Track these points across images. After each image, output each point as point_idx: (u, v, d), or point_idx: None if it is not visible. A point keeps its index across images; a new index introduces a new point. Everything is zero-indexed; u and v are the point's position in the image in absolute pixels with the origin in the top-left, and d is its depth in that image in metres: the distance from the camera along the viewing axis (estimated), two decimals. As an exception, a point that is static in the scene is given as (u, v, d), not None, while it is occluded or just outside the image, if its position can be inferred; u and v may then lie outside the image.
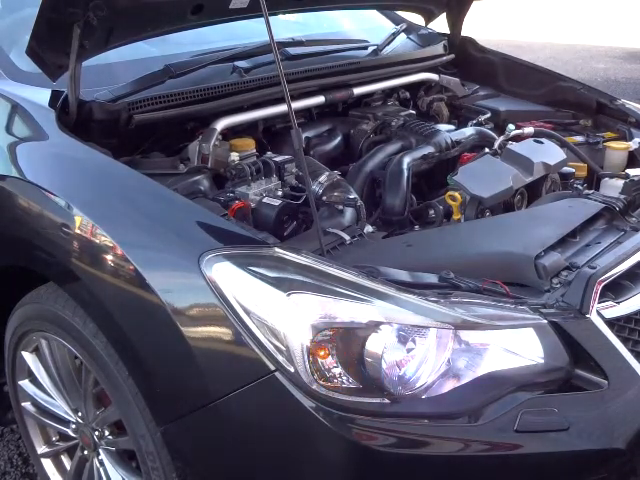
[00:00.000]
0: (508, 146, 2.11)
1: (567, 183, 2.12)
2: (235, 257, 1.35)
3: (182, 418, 1.40)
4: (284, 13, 2.57)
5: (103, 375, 1.55)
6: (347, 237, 1.67)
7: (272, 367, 1.28)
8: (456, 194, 1.89)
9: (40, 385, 1.87)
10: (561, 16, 12.71)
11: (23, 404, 1.95)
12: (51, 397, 1.85)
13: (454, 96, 2.76)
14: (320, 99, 2.31)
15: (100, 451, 1.76)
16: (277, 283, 1.32)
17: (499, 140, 2.19)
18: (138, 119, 1.79)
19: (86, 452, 1.81)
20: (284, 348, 1.27)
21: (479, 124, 2.49)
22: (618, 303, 1.50)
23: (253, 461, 1.37)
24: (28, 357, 1.86)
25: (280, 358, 1.28)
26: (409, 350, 1.32)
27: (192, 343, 1.34)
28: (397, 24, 2.87)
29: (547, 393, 1.38)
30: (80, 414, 1.78)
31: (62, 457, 1.97)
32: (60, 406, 1.84)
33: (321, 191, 1.87)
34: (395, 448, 1.29)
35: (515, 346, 1.38)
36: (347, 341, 1.31)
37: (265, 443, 1.35)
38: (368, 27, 2.91)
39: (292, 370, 1.27)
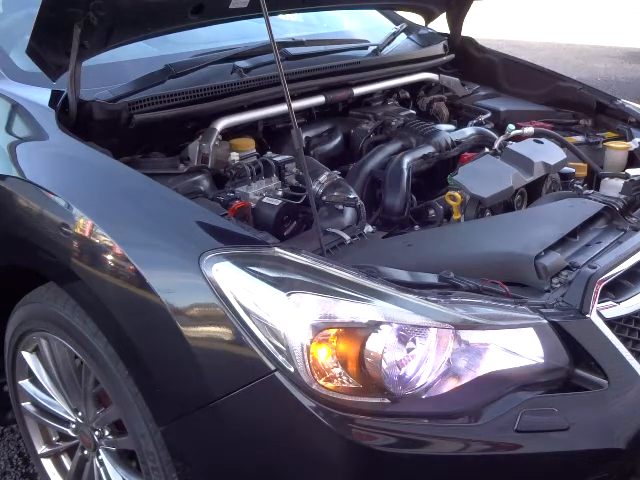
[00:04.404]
0: (508, 146, 2.11)
1: (567, 183, 2.12)
2: (235, 257, 1.35)
3: (182, 418, 1.40)
4: (284, 13, 2.57)
5: (103, 375, 1.55)
6: (347, 237, 1.67)
7: (272, 367, 1.28)
8: (456, 194, 1.89)
9: (40, 385, 1.87)
10: (561, 16, 12.71)
11: (23, 404, 1.94)
12: (51, 397, 1.85)
13: (454, 96, 2.76)
14: (320, 99, 2.31)
15: (100, 451, 1.76)
16: (277, 283, 1.32)
17: (499, 140, 2.19)
18: (138, 119, 1.79)
19: (86, 452, 1.81)
20: (284, 348, 1.27)
21: (479, 124, 2.49)
22: (618, 303, 1.50)
23: (253, 461, 1.37)
24: (28, 357, 1.86)
25: (280, 358, 1.27)
26: (409, 350, 1.32)
27: (192, 343, 1.34)
28: (397, 24, 2.87)
29: (547, 393, 1.38)
30: (80, 414, 1.78)
31: (62, 457, 1.97)
32: (60, 406, 1.84)
33: (321, 191, 1.87)
34: (395, 448, 1.29)
35: (515, 346, 1.38)
36: (347, 341, 1.31)
37: (265, 443, 1.35)
38: (368, 27, 2.91)
39: (292, 370, 1.27)
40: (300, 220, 1.82)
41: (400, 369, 1.32)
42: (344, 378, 1.29)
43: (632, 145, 2.30)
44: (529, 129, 2.32)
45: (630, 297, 1.53)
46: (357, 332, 1.30)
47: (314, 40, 2.43)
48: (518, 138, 2.25)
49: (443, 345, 1.34)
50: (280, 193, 1.87)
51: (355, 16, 3.01)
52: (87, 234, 1.49)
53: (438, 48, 2.79)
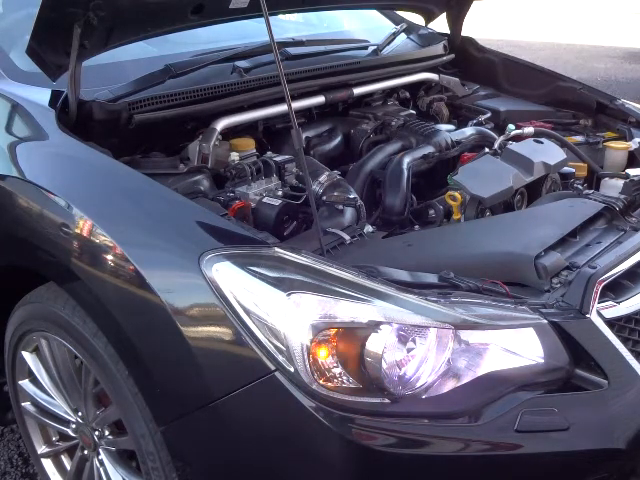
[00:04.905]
0: (508, 146, 2.11)
1: (567, 183, 2.12)
2: (235, 257, 1.35)
3: (182, 418, 1.40)
4: (284, 13, 2.57)
5: (103, 375, 1.55)
6: (347, 237, 1.67)
7: (272, 367, 1.28)
8: (456, 194, 1.89)
9: (40, 385, 1.87)
10: (561, 16, 12.71)
11: (23, 404, 1.94)
12: (51, 397, 1.85)
13: (454, 96, 2.76)
14: (320, 99, 2.31)
15: (100, 451, 1.76)
16: (277, 283, 1.32)
17: (499, 140, 2.19)
18: (138, 119, 1.79)
19: (86, 452, 1.81)
20: (284, 348, 1.27)
21: (479, 124, 2.49)
22: (618, 303, 1.50)
23: (253, 461, 1.37)
24: (28, 357, 1.86)
25: (280, 358, 1.27)
26: (409, 350, 1.32)
27: (192, 343, 1.34)
28: (397, 24, 2.87)
29: (547, 393, 1.38)
30: (80, 414, 1.78)
31: (62, 457, 1.97)
32: (60, 406, 1.84)
33: (321, 191, 1.87)
34: (395, 448, 1.29)
35: (515, 346, 1.38)
36: (347, 341, 1.31)
37: (265, 443, 1.35)
38: (368, 27, 2.91)
39: (292, 370, 1.27)
40: (300, 220, 1.82)
41: (400, 369, 1.32)
42: (344, 378, 1.29)
43: (632, 145, 2.30)
44: (529, 129, 2.32)
45: (630, 297, 1.53)
46: (357, 332, 1.30)
47: (314, 40, 2.43)
48: (518, 138, 2.25)
49: (443, 345, 1.34)
50: (280, 193, 1.87)
51: (355, 16, 3.01)
52: (87, 234, 1.49)
53: (438, 48, 2.79)
